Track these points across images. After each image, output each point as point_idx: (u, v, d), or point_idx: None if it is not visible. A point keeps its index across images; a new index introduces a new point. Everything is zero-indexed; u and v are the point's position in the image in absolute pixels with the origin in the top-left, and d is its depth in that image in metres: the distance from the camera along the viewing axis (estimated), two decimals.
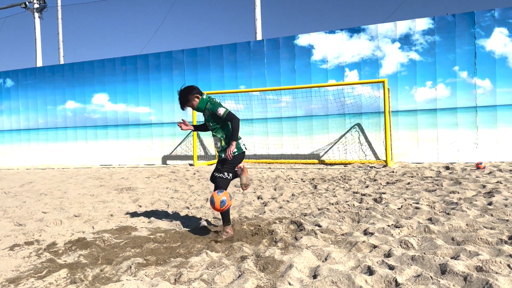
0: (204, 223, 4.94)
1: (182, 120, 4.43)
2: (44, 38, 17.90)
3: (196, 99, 4.22)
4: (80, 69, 15.28)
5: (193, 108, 4.25)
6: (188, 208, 5.94)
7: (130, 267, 3.38)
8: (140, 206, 6.21)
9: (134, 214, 5.64)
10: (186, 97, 4.20)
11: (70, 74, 15.44)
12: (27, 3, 18.40)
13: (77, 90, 15.32)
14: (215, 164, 4.39)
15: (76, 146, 15.36)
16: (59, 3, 18.16)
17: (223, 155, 4.19)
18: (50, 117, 15.79)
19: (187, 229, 4.70)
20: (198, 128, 4.55)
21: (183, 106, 4.27)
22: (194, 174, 10.17)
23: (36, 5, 18.40)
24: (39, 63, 18.31)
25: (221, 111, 4.11)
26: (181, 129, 4.38)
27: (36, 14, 18.50)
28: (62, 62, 17.94)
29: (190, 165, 12.47)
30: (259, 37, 14.49)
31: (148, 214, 5.61)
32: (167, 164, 13.64)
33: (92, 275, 3.26)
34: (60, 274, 3.28)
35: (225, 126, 4.22)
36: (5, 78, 16.49)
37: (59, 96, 15.62)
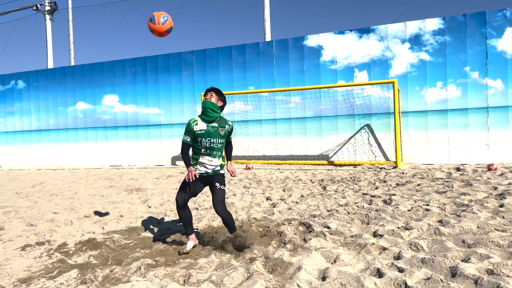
0: (213, 224, 4.95)
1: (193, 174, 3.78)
2: (55, 40, 18.08)
3: (222, 103, 4.02)
4: (91, 70, 15.42)
5: (214, 109, 3.86)
6: (197, 209, 5.96)
7: (140, 267, 3.41)
8: (150, 207, 6.25)
9: (143, 215, 5.68)
10: (224, 98, 4.03)
11: (81, 76, 15.59)
12: (38, 5, 18.62)
13: (87, 92, 15.46)
14: (194, 185, 3.92)
15: (87, 147, 15.50)
16: (70, 5, 18.35)
17: (222, 171, 3.97)
18: (61, 118, 15.96)
19: (196, 230, 4.71)
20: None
21: (216, 100, 3.93)
22: None
23: (47, 8, 18.62)
24: (50, 65, 18.52)
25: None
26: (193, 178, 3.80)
27: (47, 16, 18.72)
28: (72, 63, 18.12)
29: None
30: (268, 38, 14.49)
31: (157, 215, 5.64)
32: (176, 165, 13.70)
33: (102, 276, 3.29)
34: (70, 274, 3.32)
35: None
36: (16, 79, 16.71)
37: (70, 98, 15.77)
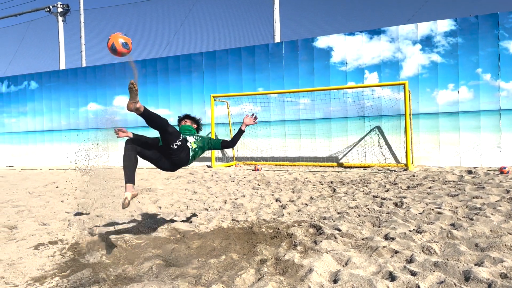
0: (223, 224, 4.97)
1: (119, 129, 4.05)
2: (67, 41, 18.33)
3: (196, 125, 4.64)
4: (102, 71, 15.56)
5: (190, 129, 4.45)
6: (207, 209, 5.98)
7: (151, 267, 3.43)
8: (160, 207, 6.28)
9: (154, 215, 5.71)
10: (197, 121, 4.67)
11: (92, 77, 15.75)
12: (51, 7, 18.86)
13: (98, 92, 15.61)
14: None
15: (97, 147, 15.63)
16: (82, 7, 18.55)
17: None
18: (72, 118, 16.13)
19: (206, 230, 4.73)
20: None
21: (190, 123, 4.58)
22: (212, 176, 10.24)
23: (60, 9, 18.84)
24: (62, 66, 18.72)
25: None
26: (118, 135, 4.05)
27: (60, 18, 18.94)
28: (84, 65, 18.30)
29: (208, 167, 12.56)
30: (277, 39, 14.50)
31: (167, 215, 5.67)
32: (185, 166, 13.75)
33: (114, 275, 3.32)
34: (83, 273, 3.35)
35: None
36: (29, 80, 16.93)
37: (82, 98, 15.94)
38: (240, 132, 4.45)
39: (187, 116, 4.60)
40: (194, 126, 4.57)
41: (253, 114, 4.50)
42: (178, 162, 4.04)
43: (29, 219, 5.49)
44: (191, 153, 4.10)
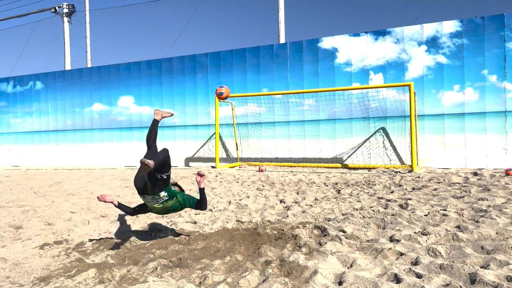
0: (227, 225, 4.97)
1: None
2: (73, 42, 18.43)
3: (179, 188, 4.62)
4: (107, 72, 15.62)
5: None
6: (211, 210, 5.99)
7: (156, 268, 3.44)
8: None
9: (158, 216, 5.72)
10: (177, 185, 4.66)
11: (97, 77, 15.82)
12: (56, 8, 18.96)
13: (103, 93, 15.67)
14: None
15: (102, 147, 15.70)
16: (87, 8, 18.63)
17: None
18: (77, 119, 16.20)
19: (211, 231, 4.73)
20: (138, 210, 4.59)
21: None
22: (216, 176, 10.24)
23: (66, 10, 18.94)
24: (68, 67, 18.81)
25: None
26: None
27: (65, 19, 19.03)
28: (89, 65, 18.38)
29: (212, 167, 12.57)
30: (282, 40, 14.49)
31: (172, 216, 5.68)
32: (189, 166, 13.77)
33: (119, 275, 3.33)
34: (88, 273, 3.36)
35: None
36: (35, 80, 17.03)
37: (87, 99, 16.01)
38: (201, 191, 4.36)
39: (175, 184, 4.67)
40: (178, 189, 4.61)
41: (197, 172, 4.41)
42: (154, 182, 4.09)
43: (34, 219, 5.52)
44: (168, 195, 4.20)
